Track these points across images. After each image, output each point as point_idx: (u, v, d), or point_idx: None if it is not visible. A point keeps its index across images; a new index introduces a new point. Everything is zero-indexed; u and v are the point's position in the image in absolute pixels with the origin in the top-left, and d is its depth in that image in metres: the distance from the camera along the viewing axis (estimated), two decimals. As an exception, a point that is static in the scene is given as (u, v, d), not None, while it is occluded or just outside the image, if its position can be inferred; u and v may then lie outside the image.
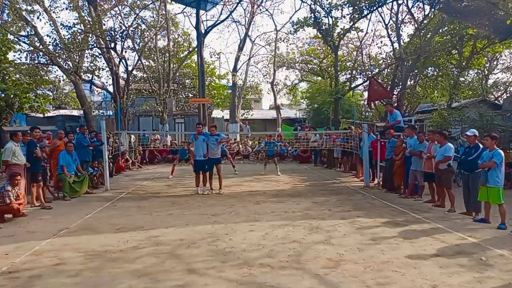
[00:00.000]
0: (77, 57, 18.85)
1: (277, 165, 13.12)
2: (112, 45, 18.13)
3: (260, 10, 25.79)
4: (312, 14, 19.21)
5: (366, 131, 10.52)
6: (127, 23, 20.57)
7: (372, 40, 23.77)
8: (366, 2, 16.21)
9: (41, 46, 18.15)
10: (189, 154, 12.80)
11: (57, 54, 17.84)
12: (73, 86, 23.25)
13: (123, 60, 19.33)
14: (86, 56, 19.56)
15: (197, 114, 22.30)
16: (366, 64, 23.64)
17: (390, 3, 17.90)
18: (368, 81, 17.88)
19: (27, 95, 15.89)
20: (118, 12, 21.82)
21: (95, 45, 18.66)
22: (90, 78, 20.17)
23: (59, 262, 4.54)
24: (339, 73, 23.11)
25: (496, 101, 24.35)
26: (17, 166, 7.30)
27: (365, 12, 17.09)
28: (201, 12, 20.45)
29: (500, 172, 6.10)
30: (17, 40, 17.90)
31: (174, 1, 21.12)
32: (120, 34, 18.32)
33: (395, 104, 18.03)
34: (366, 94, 22.96)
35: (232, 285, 3.86)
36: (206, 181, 9.45)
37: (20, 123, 19.61)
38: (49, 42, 17.86)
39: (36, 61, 17.87)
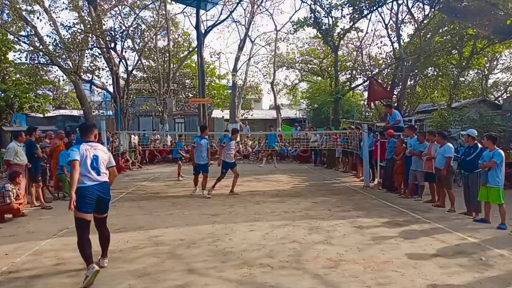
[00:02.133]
0: (77, 57, 18.87)
1: (274, 159, 14.31)
2: (112, 45, 18.15)
3: (260, 10, 25.79)
4: (312, 14, 19.23)
5: (366, 131, 10.52)
6: (127, 23, 20.61)
7: (372, 40, 23.82)
8: (366, 2, 16.22)
9: (41, 46, 18.17)
10: (190, 156, 12.00)
11: (57, 54, 17.86)
12: (73, 86, 23.27)
13: (123, 60, 19.36)
14: (86, 56, 19.59)
15: (197, 114, 22.33)
16: (366, 64, 23.66)
17: (390, 3, 17.93)
18: (368, 81, 17.89)
19: (27, 95, 15.90)
20: (118, 12, 21.85)
21: (95, 45, 18.68)
22: (90, 78, 20.20)
23: (59, 262, 4.54)
24: (339, 73, 23.13)
25: (496, 101, 24.36)
26: (19, 166, 7.32)
27: (365, 12, 17.13)
28: (201, 12, 20.44)
29: (500, 172, 6.10)
30: (17, 40, 17.93)
31: (174, 1, 21.13)
32: (120, 34, 18.35)
33: (395, 104, 18.06)
34: (366, 94, 22.97)
35: (232, 285, 3.86)
36: (205, 183, 9.03)
37: (20, 123, 19.61)
38: (49, 42, 17.92)
39: (36, 61, 17.89)
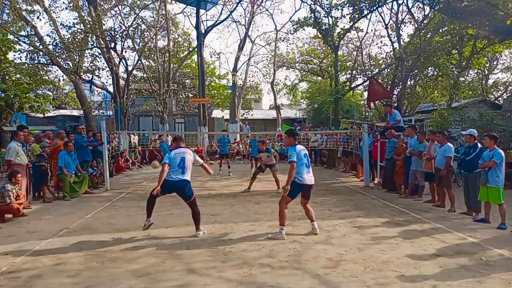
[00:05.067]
0: (77, 57, 18.85)
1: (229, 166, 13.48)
2: (112, 45, 18.14)
3: (260, 10, 25.81)
4: (312, 14, 19.23)
5: (366, 131, 10.52)
6: (127, 23, 20.60)
7: (372, 40, 23.82)
8: (366, 2, 16.21)
9: (41, 46, 18.15)
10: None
11: (57, 54, 17.84)
12: (73, 86, 23.27)
13: (123, 60, 19.35)
14: (86, 56, 19.57)
15: (197, 114, 22.33)
16: (366, 64, 23.64)
17: (390, 3, 17.92)
18: (368, 81, 17.88)
19: (27, 95, 15.86)
20: (118, 12, 21.85)
21: (95, 45, 18.67)
22: (90, 78, 20.18)
23: (59, 262, 4.54)
24: (339, 73, 23.12)
25: (496, 101, 24.35)
26: (19, 165, 7.32)
27: (365, 12, 17.11)
28: (201, 12, 20.45)
29: (500, 172, 6.10)
30: (17, 40, 17.88)
31: (174, 0, 21.14)
32: (120, 34, 18.34)
33: (395, 104, 18.05)
34: (366, 94, 22.97)
35: (232, 285, 3.86)
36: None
37: (20, 123, 19.58)
38: (49, 42, 17.90)
39: (36, 61, 17.86)
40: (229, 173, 13.01)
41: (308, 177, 5.55)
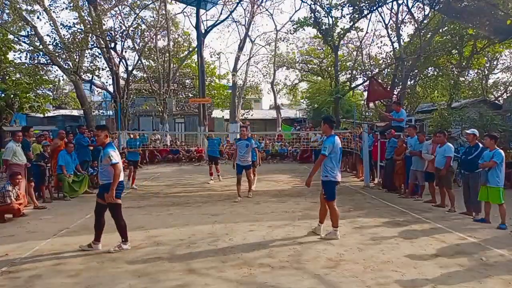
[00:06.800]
0: (77, 57, 18.87)
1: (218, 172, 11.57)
2: (112, 45, 18.15)
3: (260, 10, 25.78)
4: (312, 14, 19.22)
5: (366, 131, 10.52)
6: (127, 23, 20.62)
7: (372, 40, 23.82)
8: (366, 2, 16.21)
9: (41, 46, 18.16)
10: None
11: (57, 54, 17.85)
12: (73, 86, 23.29)
13: (123, 60, 19.36)
14: (86, 56, 19.58)
15: (197, 114, 22.34)
16: (366, 64, 23.64)
17: (390, 3, 17.91)
18: (368, 81, 17.87)
19: (27, 95, 15.87)
20: (118, 12, 21.85)
21: (95, 45, 18.68)
22: (90, 78, 20.19)
23: (59, 262, 4.54)
24: (339, 73, 23.11)
25: (496, 101, 24.34)
26: (18, 165, 7.31)
27: (365, 12, 17.10)
28: (201, 12, 20.45)
29: (501, 172, 6.10)
30: (17, 40, 17.90)
31: (174, 0, 21.15)
32: (120, 34, 18.35)
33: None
34: (366, 94, 22.95)
35: (232, 285, 3.86)
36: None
37: (20, 123, 19.59)
38: (49, 42, 17.91)
39: (36, 61, 17.87)
40: (218, 176, 11.56)
41: (339, 175, 5.52)
